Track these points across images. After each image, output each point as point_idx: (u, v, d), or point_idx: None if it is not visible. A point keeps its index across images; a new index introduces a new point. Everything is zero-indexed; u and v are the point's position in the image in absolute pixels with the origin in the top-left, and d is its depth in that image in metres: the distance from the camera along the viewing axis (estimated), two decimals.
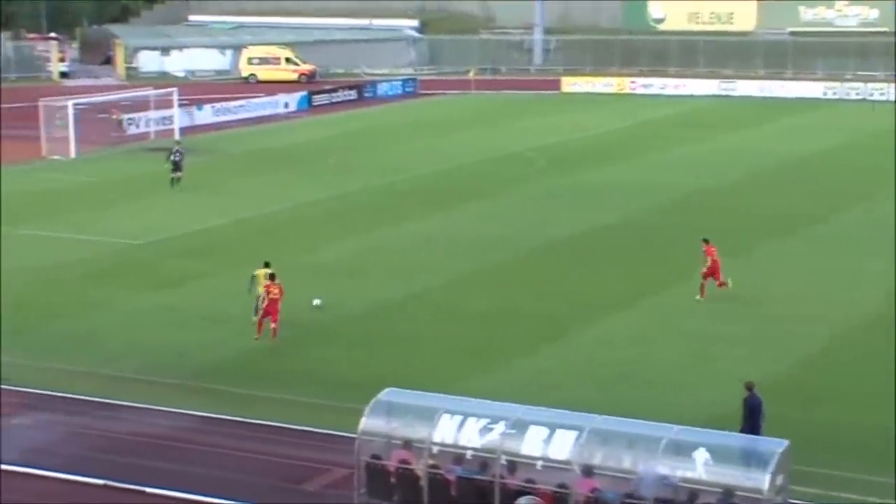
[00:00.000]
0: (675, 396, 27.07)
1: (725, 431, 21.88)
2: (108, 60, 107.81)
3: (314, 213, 47.80)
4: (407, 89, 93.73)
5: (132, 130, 68.84)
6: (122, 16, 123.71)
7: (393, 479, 21.05)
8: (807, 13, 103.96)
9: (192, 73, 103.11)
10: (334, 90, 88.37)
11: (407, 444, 21.07)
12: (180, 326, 32.73)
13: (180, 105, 70.71)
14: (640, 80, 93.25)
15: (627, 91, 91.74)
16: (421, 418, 21.10)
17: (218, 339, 31.59)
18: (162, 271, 38.60)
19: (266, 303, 31.70)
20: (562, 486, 19.87)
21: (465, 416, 20.89)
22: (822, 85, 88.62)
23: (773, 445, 19.76)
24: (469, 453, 20.61)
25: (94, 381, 28.45)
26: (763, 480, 18.98)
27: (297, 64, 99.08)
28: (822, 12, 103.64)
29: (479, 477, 20.40)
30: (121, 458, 24.22)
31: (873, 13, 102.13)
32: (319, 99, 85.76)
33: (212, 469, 23.78)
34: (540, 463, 20.16)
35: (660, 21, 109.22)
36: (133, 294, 35.93)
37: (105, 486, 22.95)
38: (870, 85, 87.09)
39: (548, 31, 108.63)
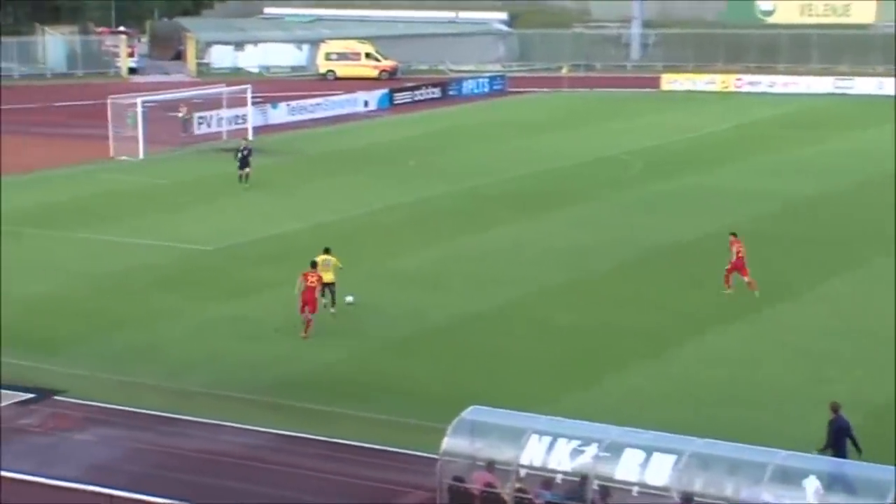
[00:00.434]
0: (783, 420, 26.75)
1: (838, 459, 21.62)
2: (179, 55, 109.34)
3: (394, 218, 48.03)
4: (494, 87, 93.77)
5: (203, 130, 69.68)
6: (194, 8, 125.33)
7: None
8: None
9: (267, 69, 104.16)
10: (417, 88, 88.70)
11: (492, 466, 21.07)
12: (253, 338, 33.05)
13: (254, 103, 71.45)
14: (747, 78, 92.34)
15: (732, 89, 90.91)
16: (507, 439, 21.09)
17: (293, 353, 31.86)
18: (234, 279, 39.02)
19: (304, 291, 32.62)
20: None
21: (555, 437, 20.84)
22: None
23: (887, 473, 19.42)
24: (559, 477, 20.58)
25: (160, 395, 28.83)
26: None
27: (377, 60, 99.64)
28: None
29: (569, 503, 20.33)
30: (188, 477, 24.50)
31: None
32: (401, 97, 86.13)
33: (285, 490, 23.98)
34: (636, 489, 20.06)
35: (768, 13, 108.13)
36: (203, 303, 36.37)
37: None
38: None
39: (646, 25, 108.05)
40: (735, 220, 46.56)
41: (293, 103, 78.67)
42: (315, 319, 33.31)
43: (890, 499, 18.80)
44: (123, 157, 62.26)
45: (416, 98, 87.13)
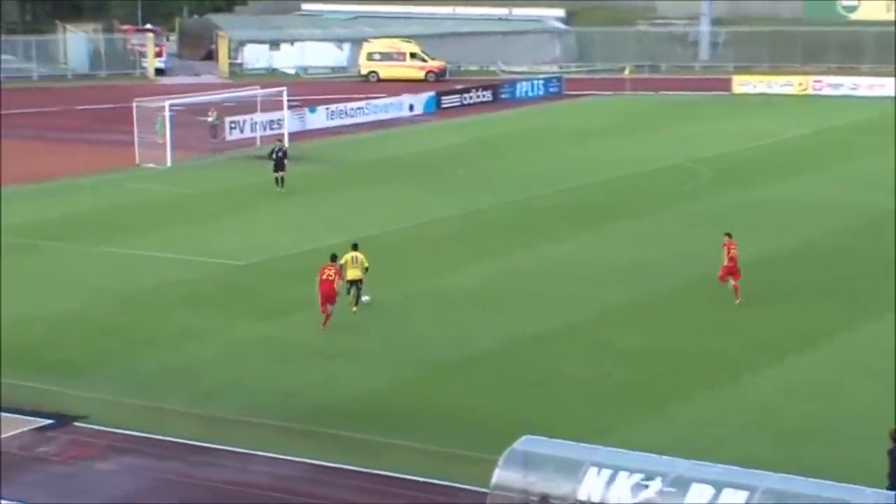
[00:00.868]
0: (867, 454, 26.49)
1: None
2: (210, 55, 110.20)
3: (441, 231, 48.11)
4: (550, 90, 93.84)
5: (235, 135, 70.16)
6: (227, 5, 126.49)
7: None
8: None
9: (305, 69, 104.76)
10: (466, 90, 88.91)
11: (546, 500, 21.03)
12: (288, 361, 33.19)
13: (290, 107, 71.85)
14: (827, 79, 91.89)
15: (811, 91, 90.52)
16: (563, 471, 21.05)
17: (331, 377, 31.96)
18: (268, 297, 39.21)
19: (321, 285, 34.60)
20: None
21: (616, 470, 20.79)
22: None
23: None
24: None
25: (188, 422, 28.99)
26: None
27: (423, 60, 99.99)
28: None
29: None
30: None
31: None
32: (449, 100, 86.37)
33: None
34: None
35: (851, 10, 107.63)
36: (234, 323, 36.56)
37: None
38: None
39: (716, 22, 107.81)
40: (812, 234, 46.39)
41: (332, 107, 79.07)
42: (354, 341, 33.37)
43: None
44: (150, 165, 62.76)
45: (465, 101, 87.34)
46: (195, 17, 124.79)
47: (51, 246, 45.82)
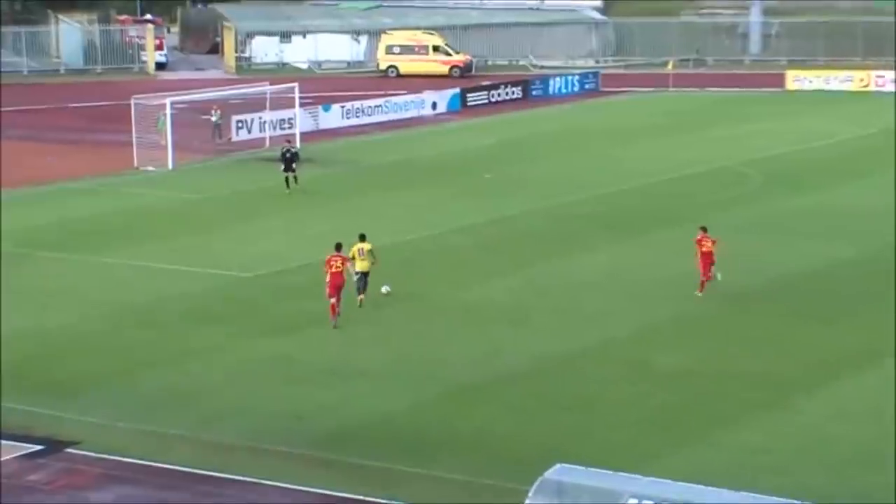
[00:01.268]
0: None
1: None
2: (215, 49, 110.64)
3: (466, 241, 48.21)
4: (586, 86, 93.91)
5: (242, 136, 70.43)
6: None
7: None
8: None
9: (318, 64, 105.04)
10: (494, 87, 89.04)
11: None
12: (300, 382, 33.31)
13: (302, 104, 72.13)
14: (890, 75, 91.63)
15: (873, 88, 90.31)
16: (600, 502, 21.10)
17: (346, 399, 32.06)
18: (278, 312, 39.38)
19: (330, 277, 36.87)
20: None
21: (657, 501, 20.83)
22: None
23: None
24: None
25: (192, 448, 29.12)
26: None
27: (447, 54, 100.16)
28: None
29: None
30: None
31: None
32: (475, 97, 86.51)
33: None
34: None
35: None
36: (241, 340, 36.72)
37: None
38: None
39: (769, 12, 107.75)
40: (871, 244, 46.31)
41: (348, 105, 79.27)
42: (371, 360, 33.51)
43: None
44: (150, 168, 63.03)
45: (492, 99, 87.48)
46: (199, 6, 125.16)
47: (42, 256, 46.08)
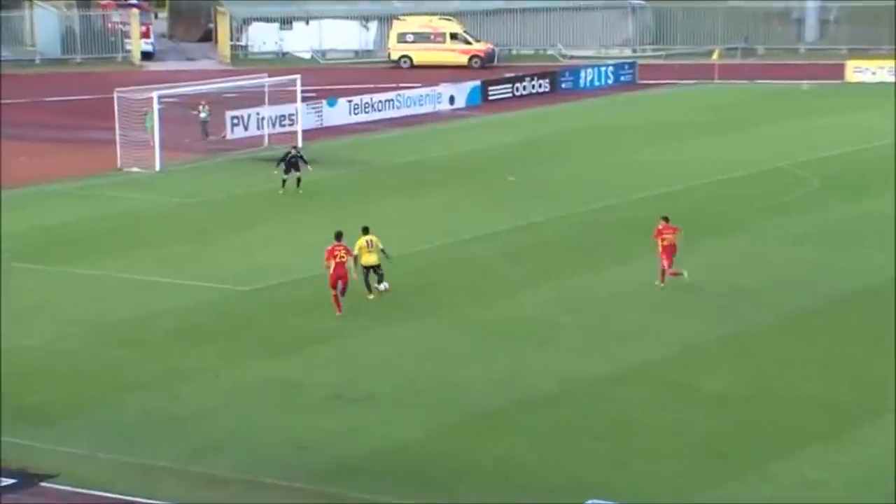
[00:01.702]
0: None
1: None
2: (208, 36, 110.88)
3: (487, 250, 48.25)
4: (622, 78, 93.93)
5: (238, 133, 70.59)
6: None
7: None
8: None
9: (322, 53, 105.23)
10: (519, 79, 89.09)
11: None
12: (303, 408, 33.36)
13: (305, 99, 72.25)
14: None
15: None
16: None
17: (353, 427, 32.08)
18: (278, 330, 39.46)
19: (333, 269, 39.37)
20: None
21: None
22: None
23: None
24: None
25: (181, 482, 29.16)
26: None
27: (467, 42, 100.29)
28: None
29: None
30: None
31: None
32: (498, 91, 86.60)
33: None
34: None
35: None
36: (238, 361, 36.77)
37: None
38: None
39: None
40: None
41: (356, 99, 79.38)
42: (381, 383, 33.57)
43: None
44: (135, 169, 63.20)
45: (517, 92, 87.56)
46: None
47: (16, 267, 46.16)
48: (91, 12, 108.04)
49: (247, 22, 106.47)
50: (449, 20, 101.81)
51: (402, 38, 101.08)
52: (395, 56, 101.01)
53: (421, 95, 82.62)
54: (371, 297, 40.99)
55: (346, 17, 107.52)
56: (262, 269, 45.64)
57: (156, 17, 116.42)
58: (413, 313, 39.49)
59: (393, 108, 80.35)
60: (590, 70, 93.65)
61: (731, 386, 34.49)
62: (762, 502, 27.40)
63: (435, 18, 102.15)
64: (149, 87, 66.73)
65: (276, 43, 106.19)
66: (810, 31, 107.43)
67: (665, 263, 42.61)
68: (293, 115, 70.62)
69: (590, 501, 22.33)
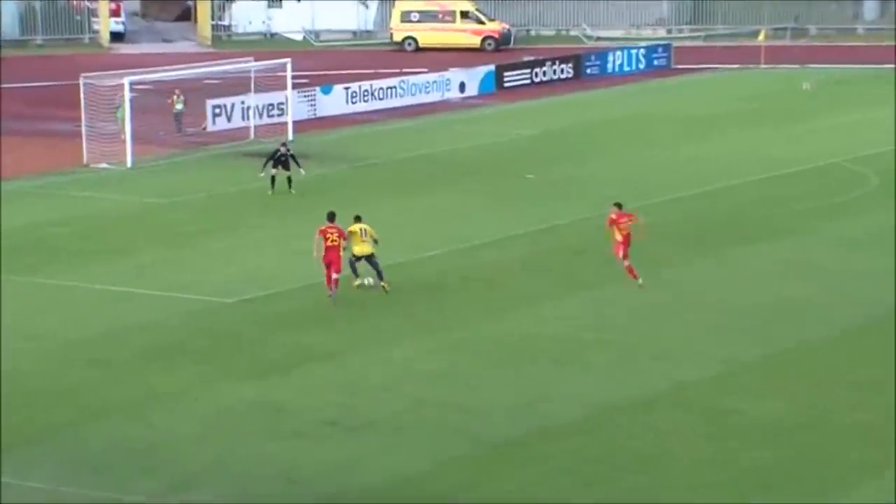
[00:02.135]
0: None
1: None
2: (186, 15, 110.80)
3: (502, 257, 48.29)
4: (655, 62, 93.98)
5: (220, 125, 70.65)
6: None
7: None
8: None
9: (316, 34, 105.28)
10: (538, 63, 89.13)
11: None
12: (293, 436, 33.39)
13: (296, 86, 72.29)
14: None
15: None
16: None
17: (351, 457, 32.15)
18: (266, 347, 39.50)
19: (325, 251, 41.15)
20: None
21: None
22: None
23: None
24: None
25: None
26: None
27: (479, 21, 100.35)
28: None
29: None
30: None
31: None
32: (514, 77, 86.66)
33: None
34: None
35: None
36: (220, 383, 36.83)
37: None
38: None
39: None
40: None
41: (353, 86, 79.44)
42: (382, 407, 33.63)
43: None
44: (103, 165, 63.27)
45: (536, 79, 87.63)
46: None
47: None
48: None
49: None
50: None
51: (406, 16, 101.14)
52: (398, 37, 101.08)
53: (427, 82, 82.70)
54: (357, 283, 42.57)
55: None
56: (247, 279, 45.72)
57: None
58: (419, 329, 39.52)
59: (396, 96, 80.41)
60: (619, 53, 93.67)
61: (778, 412, 34.52)
62: None
63: None
64: (119, 72, 66.79)
65: (264, 23, 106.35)
66: (869, 9, 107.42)
67: (620, 256, 43.93)
68: (282, 104, 70.71)
69: None
